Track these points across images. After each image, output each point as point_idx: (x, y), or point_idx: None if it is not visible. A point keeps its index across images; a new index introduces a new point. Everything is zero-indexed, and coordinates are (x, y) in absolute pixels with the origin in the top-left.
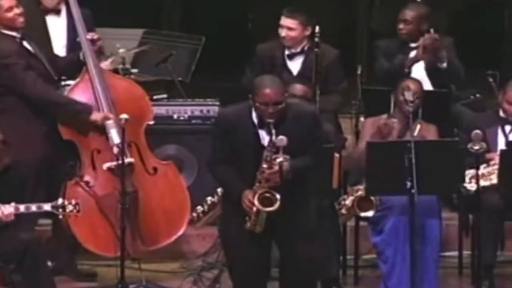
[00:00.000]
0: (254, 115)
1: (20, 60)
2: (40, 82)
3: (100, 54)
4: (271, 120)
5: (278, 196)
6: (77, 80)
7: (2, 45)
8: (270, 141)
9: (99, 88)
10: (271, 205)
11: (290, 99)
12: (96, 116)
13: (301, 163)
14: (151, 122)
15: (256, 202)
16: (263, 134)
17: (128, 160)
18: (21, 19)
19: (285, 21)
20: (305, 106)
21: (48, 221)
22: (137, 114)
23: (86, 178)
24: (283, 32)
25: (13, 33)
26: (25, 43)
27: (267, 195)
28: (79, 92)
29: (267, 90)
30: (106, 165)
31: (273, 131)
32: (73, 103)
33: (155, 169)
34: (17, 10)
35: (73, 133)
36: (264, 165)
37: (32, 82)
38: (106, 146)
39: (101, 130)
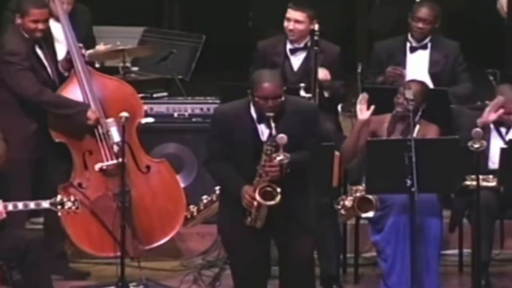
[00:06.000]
0: (252, 110)
1: (24, 62)
2: (38, 85)
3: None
4: (270, 114)
5: (279, 190)
6: (66, 82)
7: (12, 44)
8: (270, 135)
9: (87, 89)
10: (272, 199)
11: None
12: (91, 114)
13: (299, 157)
14: (146, 121)
15: (257, 196)
16: (262, 129)
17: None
18: (40, 34)
19: (292, 13)
20: (305, 101)
21: (40, 220)
22: (127, 112)
23: (79, 180)
24: (290, 25)
25: (28, 36)
26: (36, 47)
27: (268, 189)
28: (67, 94)
29: (266, 84)
30: (98, 166)
31: (273, 125)
32: (69, 106)
33: (148, 168)
34: (41, 26)
35: (64, 136)
36: (265, 159)
37: (30, 83)
38: (97, 147)
39: (92, 131)
